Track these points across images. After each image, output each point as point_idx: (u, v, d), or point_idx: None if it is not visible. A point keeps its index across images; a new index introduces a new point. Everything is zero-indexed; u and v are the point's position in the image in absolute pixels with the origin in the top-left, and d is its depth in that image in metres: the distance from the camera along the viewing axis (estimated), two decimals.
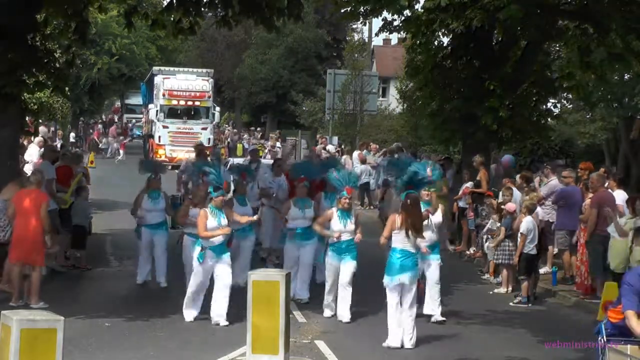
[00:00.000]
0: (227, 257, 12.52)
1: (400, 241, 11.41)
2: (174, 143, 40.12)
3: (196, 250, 12.46)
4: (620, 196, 14.94)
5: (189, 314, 12.56)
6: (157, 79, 42.02)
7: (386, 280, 11.42)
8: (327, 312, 13.05)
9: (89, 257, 16.78)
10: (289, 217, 14.08)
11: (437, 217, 12.95)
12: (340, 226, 12.66)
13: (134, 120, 65.11)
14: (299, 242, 13.97)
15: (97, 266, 16.76)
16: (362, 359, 11.20)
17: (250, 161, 18.72)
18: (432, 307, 12.87)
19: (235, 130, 56.05)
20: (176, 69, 45.24)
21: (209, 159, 18.30)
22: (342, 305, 12.80)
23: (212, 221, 12.32)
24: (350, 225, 12.69)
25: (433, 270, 12.85)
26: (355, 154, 29.44)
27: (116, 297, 14.26)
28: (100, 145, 51.06)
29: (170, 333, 11.90)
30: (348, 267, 12.73)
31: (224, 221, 12.42)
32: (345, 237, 12.68)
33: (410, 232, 11.30)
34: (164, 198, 15.16)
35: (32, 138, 23.55)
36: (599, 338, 7.54)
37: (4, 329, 6.76)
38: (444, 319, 12.89)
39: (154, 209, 15.00)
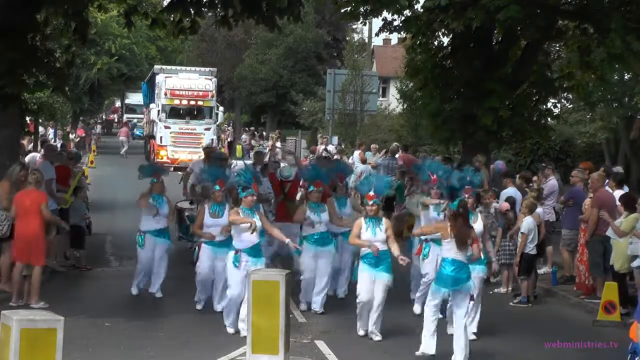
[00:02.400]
0: (262, 263, 11.67)
1: (452, 251, 10.59)
2: (176, 144, 39.28)
3: (230, 254, 11.75)
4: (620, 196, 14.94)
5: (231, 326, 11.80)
6: (159, 78, 41.12)
7: (434, 287, 10.70)
8: (362, 331, 11.92)
9: (88, 257, 16.79)
10: (304, 223, 13.31)
11: (478, 226, 12.54)
12: (369, 235, 11.66)
13: (135, 120, 64.81)
14: (315, 249, 13.20)
15: (97, 266, 16.77)
16: (362, 359, 11.20)
17: (253, 164, 17.50)
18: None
19: (232, 129, 55.71)
20: (178, 67, 44.24)
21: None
22: (374, 327, 11.80)
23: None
24: (381, 234, 11.64)
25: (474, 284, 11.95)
26: (356, 153, 29.40)
27: (116, 297, 14.25)
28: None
29: (170, 333, 11.90)
30: (381, 284, 11.60)
31: (258, 222, 11.64)
32: (378, 247, 11.60)
33: (458, 243, 10.52)
34: (167, 203, 14.14)
35: (32, 138, 23.60)
36: (637, 358, 7.28)
37: (4, 329, 6.76)
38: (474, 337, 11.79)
39: (158, 213, 13.95)
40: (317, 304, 13.28)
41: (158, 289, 14.06)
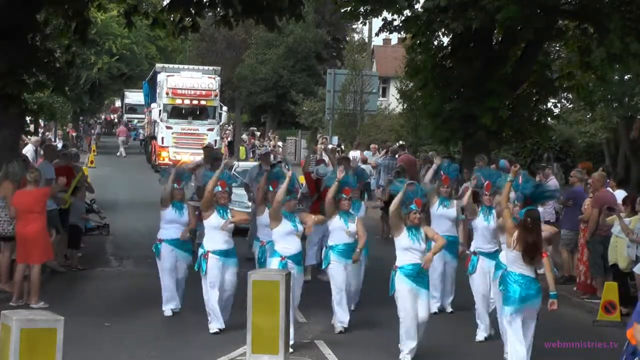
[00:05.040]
0: (300, 271, 11.41)
1: (517, 264, 9.91)
2: (178, 145, 38.16)
3: (274, 262, 11.23)
4: (620, 196, 14.95)
5: None
6: (161, 77, 40.00)
7: (508, 311, 9.98)
8: (409, 355, 10.79)
9: (89, 257, 16.81)
10: (332, 232, 12.28)
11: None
12: (408, 242, 10.66)
13: (135, 121, 64.53)
14: (343, 261, 12.17)
15: (97, 266, 16.77)
16: (362, 359, 11.20)
17: (259, 165, 16.91)
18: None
19: (232, 129, 55.56)
20: (181, 66, 43.21)
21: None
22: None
23: (286, 225, 11.24)
24: (423, 245, 10.72)
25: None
26: (357, 154, 29.45)
27: (116, 297, 14.25)
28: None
29: (170, 333, 11.91)
30: (426, 300, 10.79)
31: (300, 227, 11.30)
32: (416, 259, 10.65)
33: (525, 257, 9.82)
34: (187, 211, 12.80)
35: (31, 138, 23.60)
36: (636, 359, 7.25)
37: (4, 329, 6.76)
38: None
39: (178, 222, 12.68)
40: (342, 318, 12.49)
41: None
